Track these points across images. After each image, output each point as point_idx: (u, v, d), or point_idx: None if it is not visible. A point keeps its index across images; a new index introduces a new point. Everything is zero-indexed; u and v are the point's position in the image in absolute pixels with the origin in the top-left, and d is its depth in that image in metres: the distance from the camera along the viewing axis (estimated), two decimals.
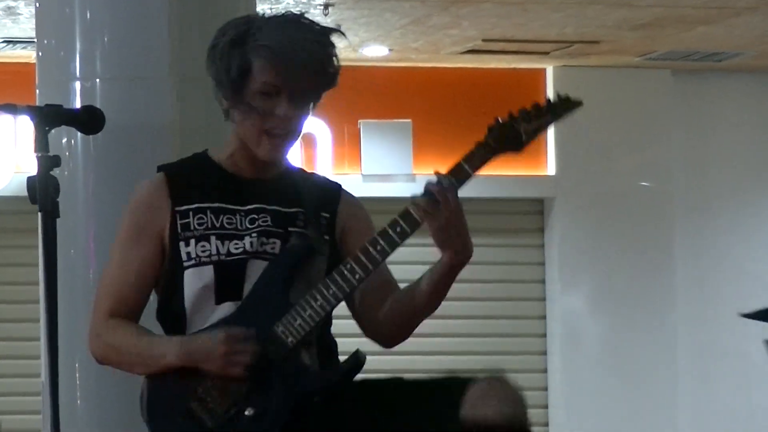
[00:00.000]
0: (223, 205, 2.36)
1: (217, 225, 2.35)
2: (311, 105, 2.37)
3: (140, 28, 2.77)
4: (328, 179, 2.57)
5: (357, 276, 2.28)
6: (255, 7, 2.93)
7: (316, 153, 7.76)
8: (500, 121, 2.25)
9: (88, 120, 2.42)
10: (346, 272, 2.28)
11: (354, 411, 2.41)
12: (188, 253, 2.33)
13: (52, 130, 2.28)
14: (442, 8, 5.95)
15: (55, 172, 2.21)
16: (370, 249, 2.28)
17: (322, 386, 2.34)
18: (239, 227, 2.35)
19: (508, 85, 7.70)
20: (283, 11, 2.43)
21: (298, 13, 2.42)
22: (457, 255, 2.25)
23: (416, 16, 6.02)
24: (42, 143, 2.23)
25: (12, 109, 2.32)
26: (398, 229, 2.25)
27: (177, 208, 2.34)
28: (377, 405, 2.49)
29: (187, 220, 2.35)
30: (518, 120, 2.24)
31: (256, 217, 2.36)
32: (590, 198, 8.34)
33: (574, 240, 8.31)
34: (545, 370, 8.39)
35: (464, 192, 2.24)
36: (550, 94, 2.42)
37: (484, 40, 6.98)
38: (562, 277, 8.28)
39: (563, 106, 2.27)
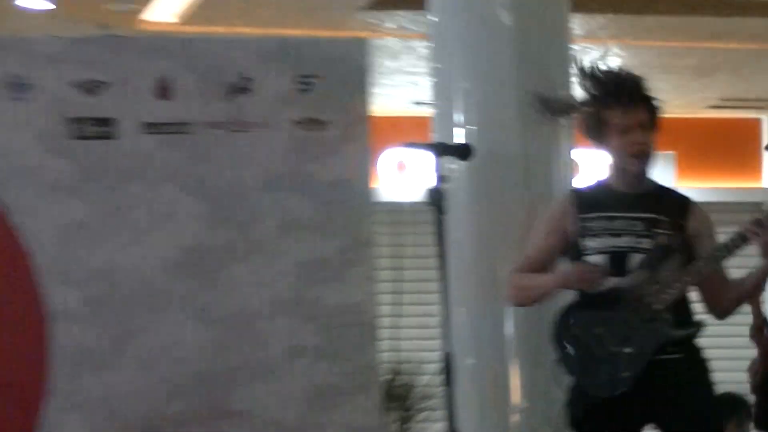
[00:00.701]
0: (611, 213, 3.62)
1: (608, 227, 3.62)
2: (654, 129, 3.63)
3: (496, 92, 4.22)
4: (681, 193, 3.80)
5: (705, 270, 3.52)
6: (570, 60, 4.24)
7: None
8: None
9: (464, 152, 3.89)
10: (699, 266, 3.53)
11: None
12: (589, 246, 3.63)
13: (443, 158, 3.77)
14: (693, 79, 8.47)
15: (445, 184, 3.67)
16: (716, 252, 3.53)
17: (674, 339, 3.56)
18: (622, 229, 3.61)
19: (736, 131, 10.28)
20: (599, 65, 3.72)
21: (612, 68, 3.75)
22: None
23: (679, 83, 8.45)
24: (438, 167, 3.72)
25: (421, 145, 3.93)
26: (735, 241, 3.47)
27: (581, 215, 3.66)
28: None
29: (588, 224, 3.65)
30: None
31: (633, 221, 3.61)
32: None
33: None
34: None
35: None
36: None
37: (722, 99, 9.65)
38: None
39: None
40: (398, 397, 6.13)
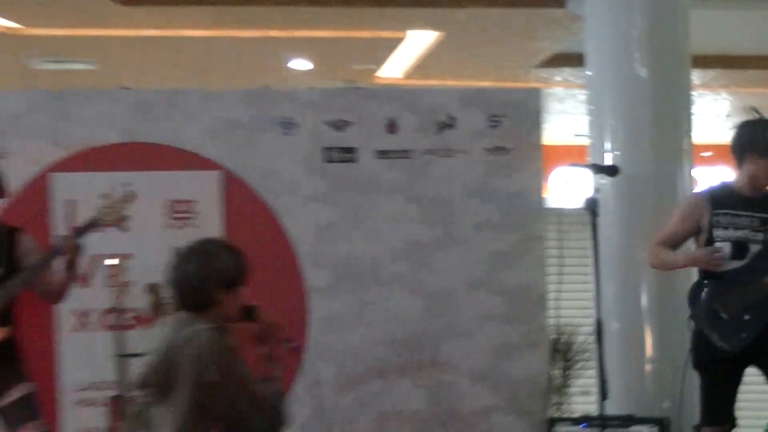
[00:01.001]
0: (738, 211, 4.80)
1: (734, 222, 4.88)
2: None
3: (635, 127, 5.77)
4: None
5: None
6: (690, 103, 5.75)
7: None
8: None
9: (612, 171, 5.34)
10: None
11: None
12: (718, 235, 4.88)
13: (597, 176, 5.27)
14: None
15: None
16: None
17: None
18: (745, 224, 4.87)
19: None
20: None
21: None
22: None
23: None
24: (593, 182, 5.19)
25: (580, 166, 5.40)
26: None
27: (714, 211, 4.82)
28: None
29: (718, 218, 4.81)
30: None
31: (752, 218, 4.79)
32: None
33: None
34: None
35: None
36: None
37: None
38: None
39: None
40: (561, 351, 7.80)
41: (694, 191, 5.48)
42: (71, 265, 5.05)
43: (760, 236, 4.86)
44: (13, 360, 5.20)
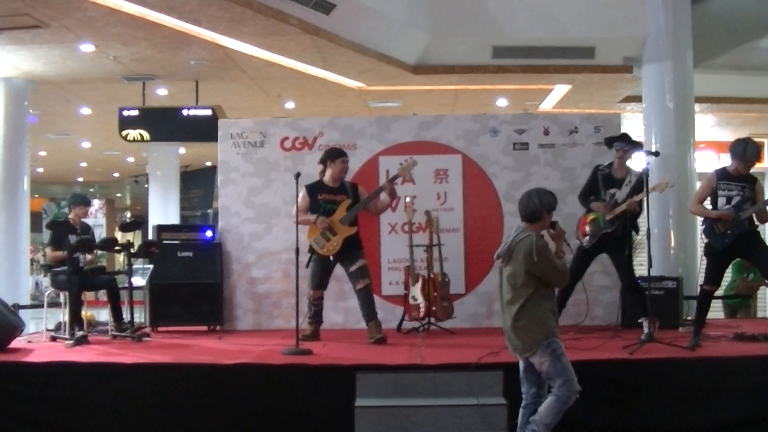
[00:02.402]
0: (729, 182, 8.76)
1: (728, 187, 8.78)
2: None
3: (665, 131, 11.93)
4: (754, 175, 8.96)
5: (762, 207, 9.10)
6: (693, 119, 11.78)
7: None
8: None
9: (656, 153, 10.57)
10: (758, 206, 9.01)
11: None
12: (720, 194, 8.76)
13: (648, 157, 10.89)
14: None
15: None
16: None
17: (748, 229, 8.72)
18: (733, 189, 8.75)
19: None
20: None
21: None
22: None
23: None
24: (647, 159, 10.96)
25: (646, 152, 11.10)
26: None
27: (718, 182, 8.81)
28: None
29: (720, 185, 8.83)
30: None
31: (737, 186, 8.76)
32: None
33: None
34: None
35: None
36: None
37: None
38: None
39: None
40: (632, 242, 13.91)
41: (710, 172, 9.11)
42: (391, 195, 9.40)
43: (740, 194, 8.75)
44: (358, 244, 9.42)
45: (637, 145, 9.70)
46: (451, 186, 10.91)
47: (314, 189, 9.51)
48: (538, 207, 6.68)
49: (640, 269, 9.49)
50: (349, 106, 16.15)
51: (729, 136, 18.10)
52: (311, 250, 9.39)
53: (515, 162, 11.23)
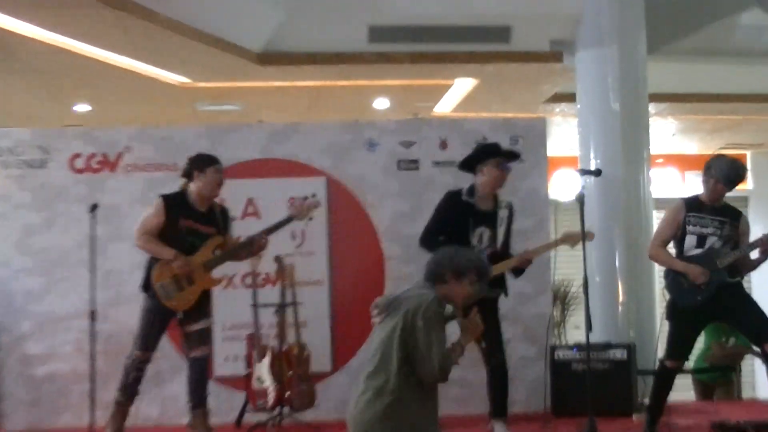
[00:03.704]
0: (702, 215, 8.95)
1: (700, 221, 8.94)
2: None
3: (608, 143, 12.16)
4: (735, 208, 9.15)
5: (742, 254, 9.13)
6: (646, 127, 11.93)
7: None
8: None
9: (597, 173, 10.71)
10: (741, 250, 9.07)
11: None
12: (688, 230, 8.86)
13: (584, 177, 11.20)
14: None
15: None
16: (747, 247, 9.09)
17: (728, 282, 8.84)
18: (707, 224, 8.90)
19: None
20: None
21: None
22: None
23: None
24: (582, 182, 11.02)
25: (578, 171, 11.26)
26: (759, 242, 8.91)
27: (687, 214, 8.96)
28: None
29: (689, 218, 8.90)
30: None
31: (713, 220, 8.92)
32: None
33: None
34: None
35: None
36: None
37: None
38: None
39: None
40: (560, 298, 14.01)
41: (677, 200, 9.21)
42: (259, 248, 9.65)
43: (717, 232, 8.86)
44: (210, 298, 9.56)
45: (513, 157, 9.66)
46: (312, 221, 10.67)
47: (176, 206, 9.49)
48: (441, 264, 6.56)
49: (576, 333, 9.56)
50: (168, 110, 16.17)
51: (697, 146, 18.68)
52: (153, 295, 9.35)
53: (401, 186, 11.40)
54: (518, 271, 9.40)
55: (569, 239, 9.36)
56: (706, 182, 8.93)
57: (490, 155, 9.41)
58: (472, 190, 9.40)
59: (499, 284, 9.29)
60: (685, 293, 8.85)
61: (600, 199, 11.59)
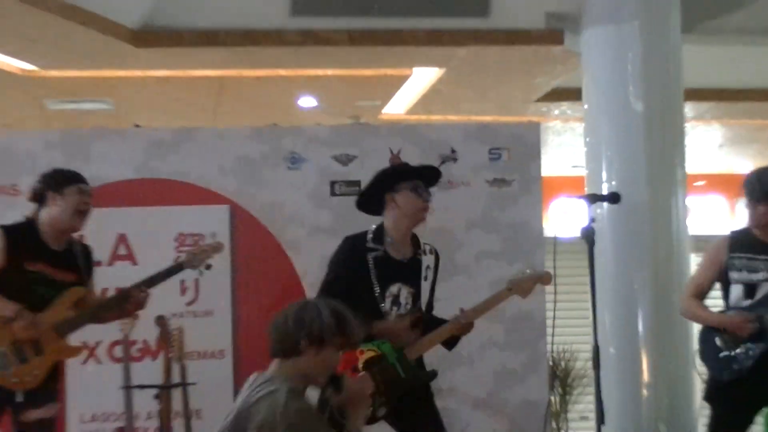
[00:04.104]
0: (754, 255, 7.69)
1: (749, 265, 7.84)
2: None
3: (630, 158, 9.79)
4: None
5: None
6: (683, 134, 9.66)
7: None
8: None
9: (614, 198, 8.90)
10: None
11: None
12: (732, 277, 7.71)
13: (594, 205, 8.85)
14: None
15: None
16: None
17: None
18: (761, 267, 7.64)
19: None
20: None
21: None
22: None
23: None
24: (590, 212, 8.80)
25: (579, 196, 8.92)
26: None
27: (730, 254, 7.75)
28: None
29: (733, 261, 7.74)
30: None
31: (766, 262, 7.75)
32: None
33: None
34: None
35: None
36: None
37: None
38: None
39: None
40: (560, 378, 11.86)
41: (720, 236, 8.31)
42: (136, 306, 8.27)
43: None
44: (60, 373, 8.22)
45: (434, 177, 8.10)
46: (210, 270, 9.07)
47: (21, 242, 8.27)
48: (289, 331, 5.87)
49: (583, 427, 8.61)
50: (8, 108, 14.81)
51: (753, 163, 16.23)
52: None
53: (335, 218, 9.94)
54: (452, 342, 8.02)
55: (518, 288, 8.17)
56: (748, 207, 7.91)
57: (401, 178, 7.87)
58: (380, 233, 7.91)
59: (419, 363, 7.97)
60: (726, 359, 7.75)
61: (616, 235, 9.71)
